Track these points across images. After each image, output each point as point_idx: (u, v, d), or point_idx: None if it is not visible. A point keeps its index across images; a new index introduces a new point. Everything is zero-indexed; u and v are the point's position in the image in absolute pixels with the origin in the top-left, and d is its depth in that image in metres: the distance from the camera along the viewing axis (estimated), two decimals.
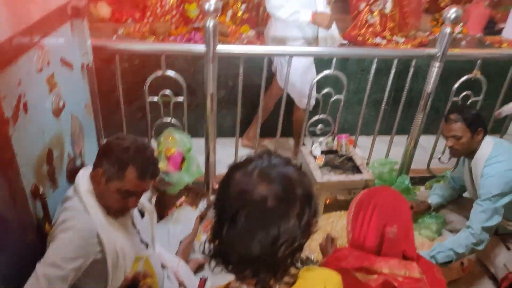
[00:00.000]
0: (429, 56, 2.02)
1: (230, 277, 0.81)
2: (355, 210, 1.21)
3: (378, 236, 1.14)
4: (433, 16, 3.61)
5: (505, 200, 1.73)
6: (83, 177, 1.33)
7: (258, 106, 2.26)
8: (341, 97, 2.16)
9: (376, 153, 2.50)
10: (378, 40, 3.03)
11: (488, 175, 1.76)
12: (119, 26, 2.92)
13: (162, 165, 1.89)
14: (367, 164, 2.45)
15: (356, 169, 2.18)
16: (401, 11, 3.08)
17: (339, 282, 0.84)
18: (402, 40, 3.05)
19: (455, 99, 2.25)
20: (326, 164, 2.22)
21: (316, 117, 2.25)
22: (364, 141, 2.57)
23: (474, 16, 3.21)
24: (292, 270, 0.78)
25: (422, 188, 2.52)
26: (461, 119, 1.81)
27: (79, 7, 1.52)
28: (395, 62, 2.09)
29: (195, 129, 2.45)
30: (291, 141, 2.92)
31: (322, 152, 2.25)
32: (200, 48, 1.96)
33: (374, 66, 2.09)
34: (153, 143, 2.10)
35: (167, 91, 2.08)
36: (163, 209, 2.03)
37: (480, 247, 1.75)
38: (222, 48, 1.96)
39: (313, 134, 2.31)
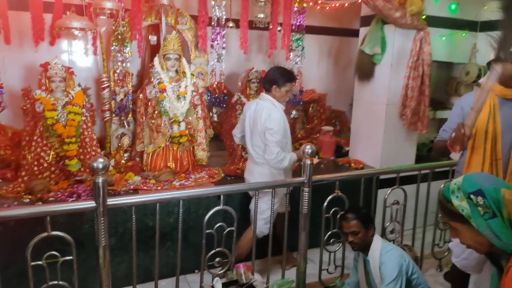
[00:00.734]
0: (300, 183, 2.39)
1: None
2: None
3: None
4: (294, 146, 4.31)
5: (403, 280, 2.11)
6: None
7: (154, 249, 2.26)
8: (233, 228, 2.32)
9: (273, 275, 2.64)
10: None
11: (386, 262, 2.15)
12: None
13: None
14: (267, 287, 2.54)
15: None
16: None
17: None
18: None
19: (327, 215, 2.63)
20: None
21: (212, 251, 2.33)
22: (260, 264, 2.71)
23: (325, 144, 3.95)
24: None
25: None
26: (357, 217, 2.23)
27: None
28: (273, 192, 2.41)
29: (86, 285, 2.26)
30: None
31: (223, 285, 2.29)
32: (89, 204, 1.97)
33: (256, 197, 2.36)
34: None
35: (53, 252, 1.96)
36: None
37: None
38: (112, 201, 2.01)
39: (211, 267, 2.37)
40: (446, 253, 3.11)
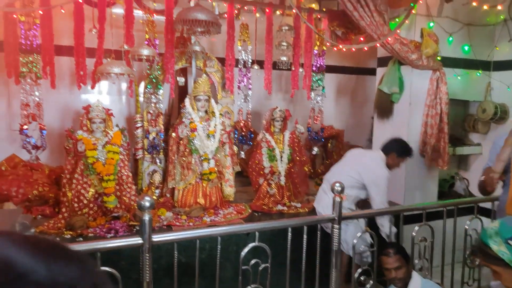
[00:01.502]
0: (330, 220, 2.48)
1: None
2: None
3: None
4: (315, 181, 4.42)
5: None
6: None
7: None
8: (267, 265, 2.40)
9: None
10: (280, 207, 3.54)
11: None
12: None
13: None
14: None
15: None
16: (293, 182, 3.73)
17: None
18: (299, 205, 3.62)
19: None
20: None
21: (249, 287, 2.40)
22: None
23: None
24: None
25: None
26: (398, 252, 2.30)
27: None
28: (305, 228, 2.50)
29: None
30: None
31: None
32: (136, 240, 2.08)
33: (290, 234, 2.45)
34: None
35: None
36: None
37: None
38: (157, 237, 2.12)
39: None
40: None
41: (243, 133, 3.72)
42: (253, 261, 2.38)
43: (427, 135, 3.64)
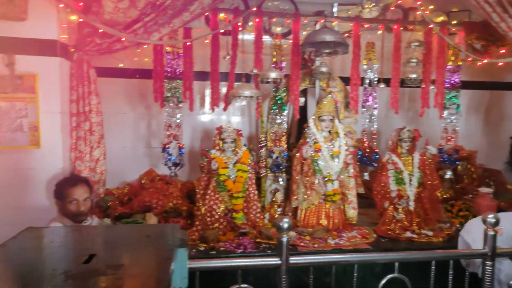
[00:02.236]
0: (482, 255, 2.20)
1: None
2: None
3: None
4: (444, 207, 4.02)
5: None
6: None
7: None
8: None
9: None
10: (409, 234, 3.28)
11: None
12: None
13: None
14: None
15: None
16: (423, 208, 3.44)
17: None
18: (431, 233, 3.31)
19: None
20: None
21: None
22: None
23: (485, 208, 3.59)
24: None
25: None
26: None
27: None
28: (451, 263, 2.26)
29: None
30: None
31: None
32: (274, 261, 2.11)
33: (433, 268, 2.24)
34: None
35: None
36: None
37: None
38: (294, 259, 2.12)
39: None
40: None
41: (366, 154, 3.58)
42: None
43: None
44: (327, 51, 3.22)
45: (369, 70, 3.48)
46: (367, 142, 3.62)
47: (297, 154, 3.45)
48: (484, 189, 3.80)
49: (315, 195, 3.36)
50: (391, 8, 3.92)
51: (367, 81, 3.54)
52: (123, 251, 1.48)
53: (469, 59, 3.51)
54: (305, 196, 3.39)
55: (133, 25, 2.61)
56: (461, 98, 4.49)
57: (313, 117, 3.46)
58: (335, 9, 3.63)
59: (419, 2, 3.24)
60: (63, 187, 2.41)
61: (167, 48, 3.18)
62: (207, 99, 4.22)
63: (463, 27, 3.50)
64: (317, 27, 3.27)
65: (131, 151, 4.23)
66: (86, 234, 1.75)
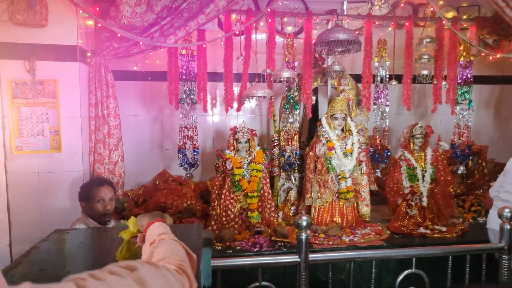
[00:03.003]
0: (498, 250, 2.23)
1: None
2: None
3: None
4: (456, 202, 4.03)
5: None
6: None
7: None
8: None
9: None
10: (422, 230, 3.31)
11: None
12: None
13: None
14: None
15: None
16: (436, 204, 3.46)
17: None
18: (444, 229, 3.34)
19: None
20: None
21: None
22: None
23: None
24: None
25: None
26: None
27: None
28: (468, 258, 2.29)
29: None
30: None
31: None
32: (293, 258, 2.16)
33: (450, 263, 2.27)
34: None
35: None
36: None
37: None
38: (313, 256, 2.17)
39: None
40: None
41: (378, 151, 3.60)
42: None
43: None
44: (339, 49, 3.24)
45: (381, 67, 3.50)
46: (379, 139, 3.64)
47: (310, 153, 3.48)
48: None
49: (328, 193, 3.39)
50: (401, 5, 3.94)
51: (378, 78, 3.55)
52: None
53: (482, 54, 3.51)
54: (319, 194, 3.42)
55: (150, 29, 2.66)
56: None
57: (326, 115, 3.50)
58: (345, 7, 3.66)
59: None
60: (90, 188, 2.47)
61: (182, 50, 3.22)
62: (218, 100, 4.26)
63: (474, 22, 3.50)
64: (329, 26, 3.29)
65: (145, 153, 4.29)
66: (113, 235, 1.80)
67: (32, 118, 2.65)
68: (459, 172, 3.73)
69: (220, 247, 3.03)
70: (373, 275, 2.27)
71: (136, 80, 4.09)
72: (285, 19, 3.41)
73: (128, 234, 1.41)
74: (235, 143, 3.29)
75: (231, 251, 2.97)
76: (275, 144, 3.69)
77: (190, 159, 3.41)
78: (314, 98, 3.83)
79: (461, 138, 3.64)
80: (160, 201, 3.71)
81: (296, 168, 3.68)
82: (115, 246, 1.49)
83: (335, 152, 3.37)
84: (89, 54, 2.97)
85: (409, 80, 3.47)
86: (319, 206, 3.43)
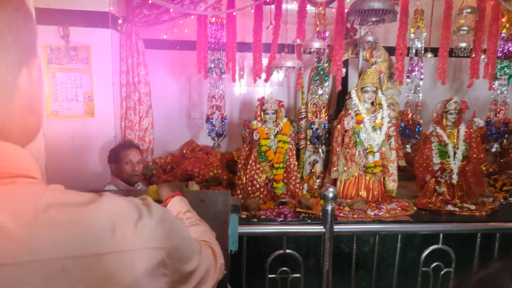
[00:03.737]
0: None
1: None
2: None
3: None
4: (487, 181, 3.92)
5: None
6: None
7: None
8: (450, 270, 2.24)
9: None
10: (450, 207, 3.25)
11: None
12: None
13: None
14: None
15: None
16: (466, 182, 3.37)
17: None
18: (473, 207, 3.26)
19: None
20: None
21: None
22: None
23: None
24: None
25: None
26: None
27: None
28: (498, 236, 2.24)
29: None
30: None
31: None
32: (319, 229, 2.18)
33: (478, 240, 2.24)
34: None
35: (285, 268, 2.22)
36: None
37: None
38: (338, 227, 2.18)
39: None
40: None
41: (409, 126, 3.51)
42: (434, 264, 2.25)
43: None
44: (373, 19, 3.12)
45: (416, 39, 3.36)
46: (411, 114, 3.54)
47: (338, 126, 3.44)
48: None
49: (355, 167, 3.36)
50: None
51: (413, 50, 3.41)
52: None
53: None
54: (345, 168, 3.40)
55: None
56: None
57: (356, 88, 3.42)
58: None
59: None
60: (119, 150, 2.56)
61: (211, 18, 3.19)
62: (246, 70, 4.23)
63: None
64: None
65: (173, 122, 4.35)
66: (139, 195, 1.87)
67: (67, 83, 2.73)
68: (493, 150, 3.60)
69: (245, 216, 3.08)
70: (398, 249, 2.27)
71: (165, 49, 4.10)
72: None
73: None
74: (262, 114, 3.28)
75: (256, 220, 3.02)
76: (303, 116, 3.66)
77: (218, 128, 3.43)
78: (344, 70, 3.73)
79: (497, 115, 3.49)
80: (187, 169, 3.79)
81: (323, 141, 3.65)
82: None
83: (364, 125, 3.31)
84: (120, 21, 2.99)
85: (445, 53, 3.32)
86: (344, 180, 3.41)
